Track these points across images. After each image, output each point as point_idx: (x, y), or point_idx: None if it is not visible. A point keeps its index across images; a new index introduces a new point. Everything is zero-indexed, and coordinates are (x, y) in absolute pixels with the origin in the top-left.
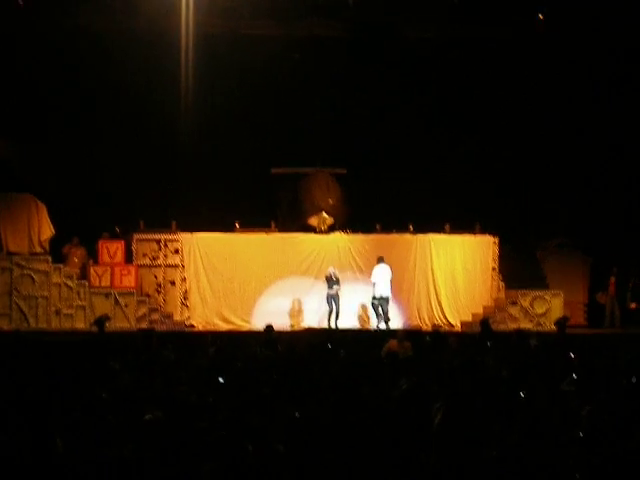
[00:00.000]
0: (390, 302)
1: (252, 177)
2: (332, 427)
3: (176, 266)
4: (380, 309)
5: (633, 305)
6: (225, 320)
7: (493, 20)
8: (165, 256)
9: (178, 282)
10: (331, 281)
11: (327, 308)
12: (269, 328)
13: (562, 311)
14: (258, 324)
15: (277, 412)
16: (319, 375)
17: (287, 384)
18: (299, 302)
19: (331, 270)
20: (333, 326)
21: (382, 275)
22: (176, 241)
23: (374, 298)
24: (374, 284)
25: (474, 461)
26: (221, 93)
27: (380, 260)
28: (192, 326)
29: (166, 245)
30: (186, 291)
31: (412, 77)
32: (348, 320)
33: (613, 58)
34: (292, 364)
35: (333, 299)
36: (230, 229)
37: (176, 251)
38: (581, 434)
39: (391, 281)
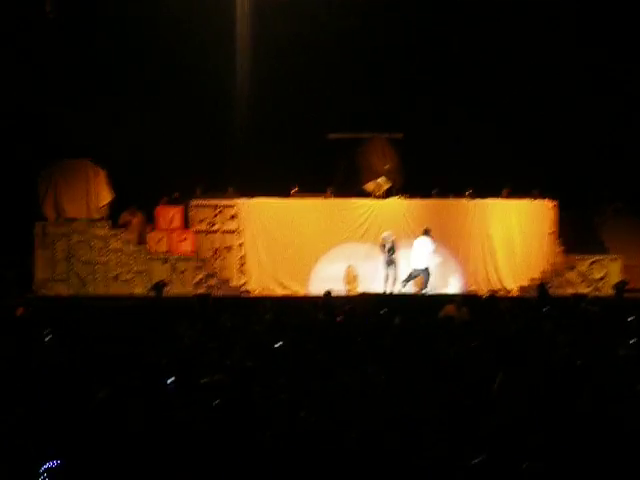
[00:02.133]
0: (431, 271)
1: (308, 142)
2: (388, 391)
3: (233, 232)
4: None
5: None
6: (281, 285)
7: None
8: (222, 222)
9: (235, 248)
10: (388, 246)
11: (384, 273)
12: (328, 294)
13: (620, 275)
14: (314, 289)
15: (333, 378)
16: (376, 341)
17: (345, 350)
18: (355, 268)
19: (387, 235)
20: (390, 291)
21: (419, 249)
22: (232, 207)
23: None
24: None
25: (533, 427)
26: (277, 58)
27: (425, 232)
28: (248, 291)
29: (222, 211)
30: (242, 257)
31: (471, 39)
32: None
33: None
34: (350, 330)
35: (390, 264)
36: (287, 194)
37: (232, 217)
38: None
39: (434, 251)
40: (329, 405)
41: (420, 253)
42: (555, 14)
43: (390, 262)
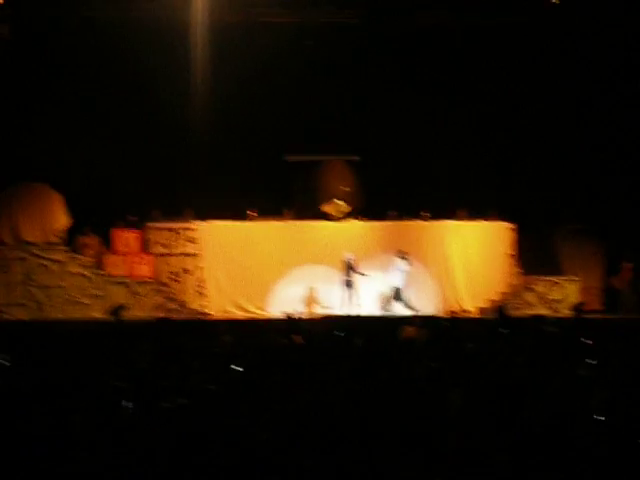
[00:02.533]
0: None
1: (267, 165)
2: (349, 413)
3: (191, 255)
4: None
5: None
6: (241, 308)
7: (507, 7)
8: (180, 245)
9: (193, 271)
10: (348, 267)
11: (344, 295)
12: (288, 316)
13: (578, 297)
14: (274, 312)
15: (293, 400)
16: (336, 362)
17: (305, 372)
18: (314, 290)
19: (348, 256)
20: (351, 313)
21: (395, 270)
22: (191, 229)
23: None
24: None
25: (491, 445)
26: (235, 81)
27: (400, 255)
28: (208, 314)
29: (180, 234)
30: (201, 280)
31: (426, 64)
32: (366, 307)
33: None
34: (309, 352)
35: (350, 285)
36: (245, 217)
37: (191, 240)
38: (598, 418)
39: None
40: (290, 428)
41: (396, 273)
42: (508, 40)
43: (350, 283)
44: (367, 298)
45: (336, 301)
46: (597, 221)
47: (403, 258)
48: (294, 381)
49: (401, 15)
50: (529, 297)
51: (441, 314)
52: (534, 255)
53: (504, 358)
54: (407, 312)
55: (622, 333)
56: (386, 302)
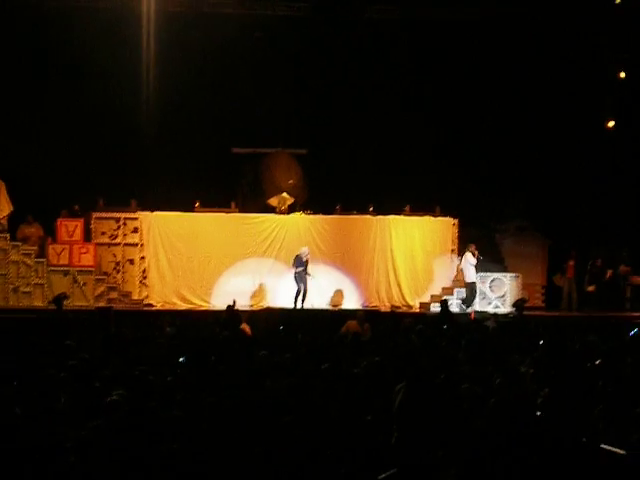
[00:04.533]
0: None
1: (213, 156)
2: (291, 406)
3: (135, 245)
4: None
5: (591, 288)
6: (184, 299)
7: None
8: (124, 235)
9: (137, 261)
10: (300, 261)
11: (294, 287)
12: (230, 308)
13: (520, 293)
14: (217, 304)
15: (233, 392)
16: (278, 355)
17: (245, 364)
18: (259, 282)
19: (304, 250)
20: (299, 306)
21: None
22: (135, 220)
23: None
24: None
25: (434, 440)
26: (183, 71)
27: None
28: (150, 305)
29: (125, 224)
30: (145, 270)
31: (374, 58)
32: (313, 300)
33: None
34: (251, 344)
35: (301, 279)
36: (190, 208)
37: (135, 230)
38: (538, 414)
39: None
40: (227, 420)
41: (468, 268)
42: (457, 36)
43: (301, 277)
44: (315, 292)
45: (282, 294)
46: (540, 218)
47: (472, 253)
48: (235, 372)
49: (351, 9)
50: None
51: (384, 309)
52: (478, 251)
53: (446, 353)
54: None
55: (562, 330)
56: (464, 299)
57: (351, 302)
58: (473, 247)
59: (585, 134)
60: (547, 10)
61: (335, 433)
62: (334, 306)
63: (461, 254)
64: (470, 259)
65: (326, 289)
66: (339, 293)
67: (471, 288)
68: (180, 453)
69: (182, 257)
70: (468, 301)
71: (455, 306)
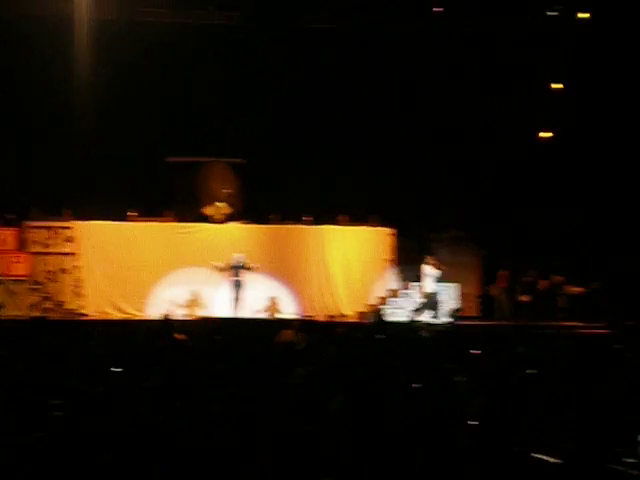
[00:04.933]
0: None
1: (148, 165)
2: (227, 418)
3: (69, 254)
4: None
5: (525, 298)
6: (118, 309)
7: (390, 12)
8: (57, 244)
9: (70, 270)
10: (237, 269)
11: (229, 296)
12: (165, 318)
13: (455, 303)
14: (152, 313)
15: (169, 404)
16: (214, 365)
17: (181, 375)
18: (195, 292)
19: (238, 258)
20: (236, 314)
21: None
22: (69, 229)
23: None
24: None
25: (371, 449)
26: (118, 80)
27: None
28: (85, 315)
29: (58, 233)
30: (78, 279)
31: (310, 67)
32: (251, 309)
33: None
34: (187, 354)
35: (238, 286)
36: (125, 217)
37: (68, 239)
38: (474, 424)
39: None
40: (161, 431)
41: (425, 280)
42: (392, 47)
43: (238, 284)
44: (252, 300)
45: (218, 303)
46: (475, 229)
47: (431, 264)
48: (170, 383)
49: (285, 18)
50: (407, 302)
51: (320, 318)
52: (413, 261)
53: (382, 363)
54: (434, 319)
55: (496, 339)
56: (420, 309)
57: (287, 312)
58: (432, 259)
59: (519, 145)
60: (482, 22)
61: (269, 443)
62: (270, 315)
63: (401, 265)
64: (427, 270)
65: (262, 299)
66: (275, 302)
67: (430, 299)
68: (115, 463)
69: (116, 266)
70: (422, 310)
71: (399, 315)
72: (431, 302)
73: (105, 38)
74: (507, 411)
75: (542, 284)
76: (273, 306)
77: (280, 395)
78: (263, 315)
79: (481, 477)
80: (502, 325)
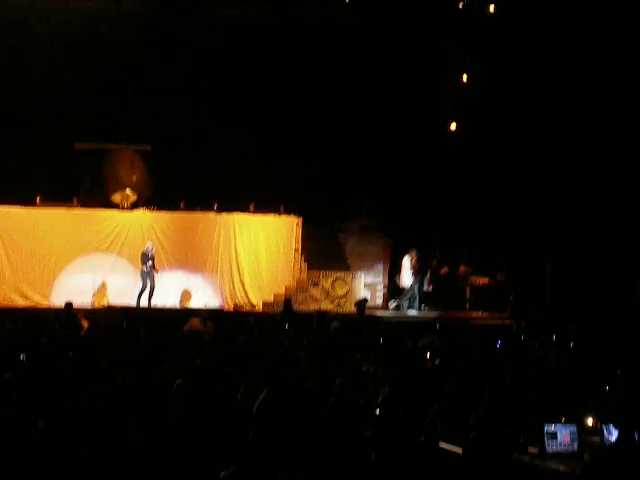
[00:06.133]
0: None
1: (55, 151)
2: (131, 405)
3: None
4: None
5: (430, 287)
6: (23, 296)
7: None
8: None
9: None
10: (146, 258)
11: (138, 285)
12: (68, 306)
13: (362, 292)
14: (58, 301)
15: (74, 391)
16: (120, 353)
17: (87, 362)
18: (101, 279)
19: (149, 246)
20: (145, 303)
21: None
22: None
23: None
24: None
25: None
26: (25, 63)
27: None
28: None
29: None
30: None
31: (221, 55)
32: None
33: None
34: (92, 342)
35: (148, 276)
36: (31, 203)
37: None
38: (378, 412)
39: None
40: (70, 420)
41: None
42: (303, 36)
43: (148, 274)
44: (159, 290)
45: (124, 292)
46: (383, 218)
47: (410, 257)
48: (75, 371)
49: (197, 4)
50: (315, 292)
51: (227, 307)
52: (320, 250)
53: (288, 352)
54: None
55: (403, 329)
56: (401, 300)
57: (195, 301)
58: (413, 252)
59: (427, 135)
60: (393, 13)
61: (175, 432)
62: (182, 305)
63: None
64: (405, 263)
65: (170, 287)
66: (184, 292)
67: (407, 291)
68: (17, 454)
69: (22, 253)
70: (401, 304)
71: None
72: (410, 295)
73: (15, 21)
74: (413, 401)
75: (443, 271)
76: (185, 296)
77: (186, 382)
78: (175, 305)
79: (388, 465)
80: (408, 316)
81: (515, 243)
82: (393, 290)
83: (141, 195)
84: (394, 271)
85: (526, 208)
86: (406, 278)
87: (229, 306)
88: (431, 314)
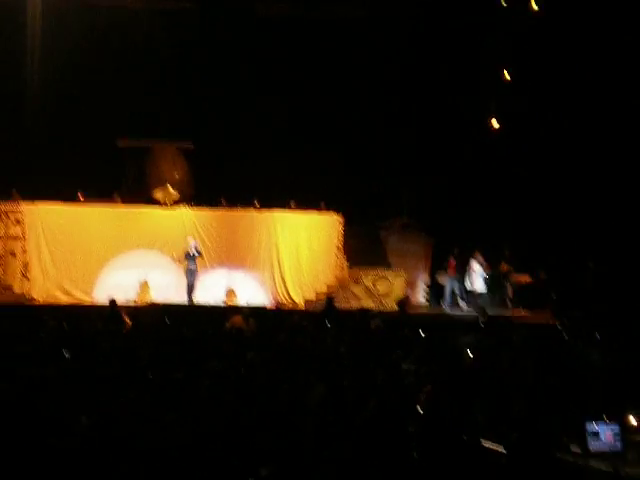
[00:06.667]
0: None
1: (98, 148)
2: (179, 401)
3: (17, 237)
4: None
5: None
6: (66, 293)
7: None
8: (5, 227)
9: (19, 253)
10: (190, 255)
11: (187, 282)
12: (112, 303)
13: (404, 291)
14: (100, 298)
15: (118, 389)
16: (163, 350)
17: (130, 360)
18: (143, 277)
19: (192, 243)
20: (189, 301)
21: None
22: (17, 211)
23: None
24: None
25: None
26: (68, 60)
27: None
28: (33, 299)
29: (7, 215)
30: (27, 263)
31: (263, 54)
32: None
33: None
34: (135, 340)
35: (191, 273)
36: (73, 200)
37: (17, 222)
38: (420, 411)
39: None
40: (116, 417)
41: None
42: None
43: (192, 271)
44: (207, 288)
45: (166, 289)
46: (424, 217)
47: (476, 260)
48: (119, 368)
49: (239, 3)
50: (356, 290)
51: (269, 305)
52: (362, 248)
53: (330, 350)
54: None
55: (444, 327)
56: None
57: (238, 299)
58: (477, 254)
59: (469, 133)
60: (434, 9)
61: (219, 430)
62: (226, 304)
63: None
64: (474, 266)
65: (212, 285)
66: (228, 290)
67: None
68: (60, 451)
69: (65, 250)
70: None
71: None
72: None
73: (55, 21)
74: (455, 399)
75: (487, 268)
76: (230, 294)
77: (231, 380)
78: (218, 302)
79: (430, 465)
80: (450, 314)
81: (557, 241)
82: (432, 288)
83: (183, 192)
84: (435, 269)
85: (569, 205)
86: (478, 281)
87: (271, 304)
88: (474, 312)
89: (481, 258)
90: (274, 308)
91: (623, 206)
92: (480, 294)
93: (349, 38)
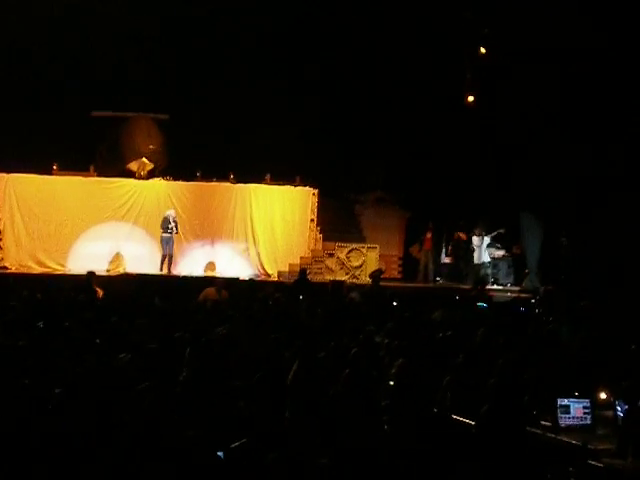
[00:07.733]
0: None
1: (72, 119)
2: (150, 372)
3: None
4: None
5: (447, 259)
6: (39, 263)
7: None
8: None
9: None
10: (167, 224)
11: (156, 254)
12: (90, 274)
13: (377, 264)
14: (73, 268)
15: (91, 358)
16: (136, 321)
17: (105, 329)
18: (116, 247)
19: (169, 213)
20: (165, 271)
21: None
22: None
23: None
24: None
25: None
26: (43, 31)
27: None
28: (5, 268)
29: None
30: (0, 232)
31: (236, 23)
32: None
33: None
34: (108, 310)
35: (167, 243)
36: (48, 171)
37: None
38: (391, 383)
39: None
40: (81, 386)
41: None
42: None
43: (168, 241)
44: (184, 259)
45: (139, 260)
46: (399, 191)
47: (475, 234)
48: (90, 338)
49: None
50: (330, 262)
51: (243, 277)
52: (336, 221)
53: (302, 322)
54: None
55: (417, 301)
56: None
57: (216, 271)
58: (478, 229)
59: (444, 108)
60: None
61: (189, 399)
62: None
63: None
64: (477, 242)
65: (191, 257)
66: (210, 262)
67: (477, 269)
68: (31, 420)
69: (38, 220)
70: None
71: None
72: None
73: None
74: (426, 372)
75: (462, 236)
76: (210, 266)
77: (200, 351)
78: (193, 273)
79: (402, 436)
80: (424, 287)
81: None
82: (405, 261)
83: (157, 164)
84: (409, 243)
85: (542, 181)
86: (484, 254)
87: (244, 275)
88: (446, 286)
89: (480, 230)
90: (247, 280)
91: (595, 181)
92: (476, 265)
93: (323, 8)
